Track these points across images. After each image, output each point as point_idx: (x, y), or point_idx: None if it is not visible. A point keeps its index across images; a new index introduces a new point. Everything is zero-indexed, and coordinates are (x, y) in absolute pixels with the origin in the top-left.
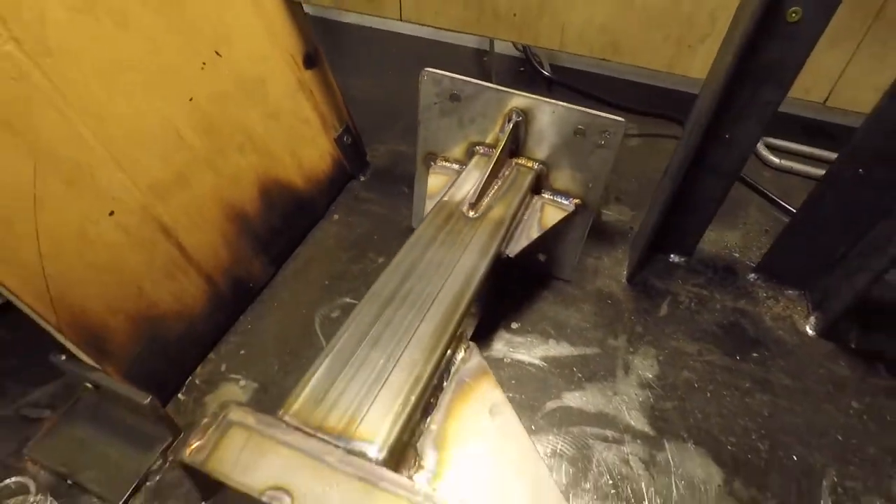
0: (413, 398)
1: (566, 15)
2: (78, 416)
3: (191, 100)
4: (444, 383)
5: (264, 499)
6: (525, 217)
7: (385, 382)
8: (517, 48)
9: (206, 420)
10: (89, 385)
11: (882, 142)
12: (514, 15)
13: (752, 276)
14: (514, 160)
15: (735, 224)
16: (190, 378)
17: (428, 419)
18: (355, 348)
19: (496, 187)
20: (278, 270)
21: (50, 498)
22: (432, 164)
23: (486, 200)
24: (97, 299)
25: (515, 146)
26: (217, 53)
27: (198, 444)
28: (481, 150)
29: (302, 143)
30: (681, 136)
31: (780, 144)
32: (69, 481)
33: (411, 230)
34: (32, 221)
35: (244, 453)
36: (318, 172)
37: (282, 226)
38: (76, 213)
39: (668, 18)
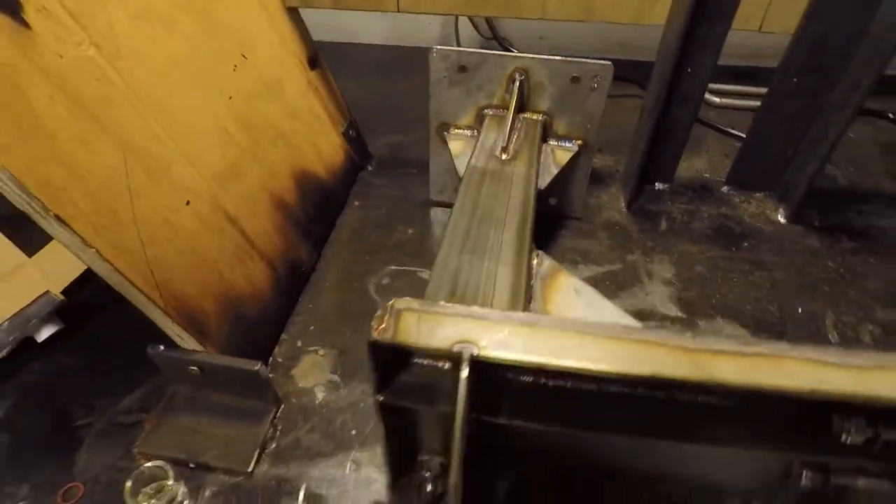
0: (522, 283)
1: None
2: (177, 409)
3: (230, 98)
4: (532, 282)
5: (455, 349)
6: (542, 160)
7: (496, 278)
8: (483, 37)
9: (378, 313)
10: (195, 368)
11: (806, 55)
12: None
13: (724, 188)
14: (521, 115)
15: (700, 154)
16: (272, 358)
17: (531, 304)
18: (458, 258)
19: (514, 138)
20: (320, 255)
21: (182, 481)
22: (446, 133)
23: (512, 146)
24: (190, 284)
25: (520, 103)
26: (244, 56)
27: (381, 327)
28: (490, 112)
29: (318, 137)
30: (643, 95)
31: (718, 88)
32: (191, 465)
33: (431, 202)
34: (130, 210)
35: (421, 327)
36: (335, 164)
37: (316, 214)
38: (160, 203)
39: None
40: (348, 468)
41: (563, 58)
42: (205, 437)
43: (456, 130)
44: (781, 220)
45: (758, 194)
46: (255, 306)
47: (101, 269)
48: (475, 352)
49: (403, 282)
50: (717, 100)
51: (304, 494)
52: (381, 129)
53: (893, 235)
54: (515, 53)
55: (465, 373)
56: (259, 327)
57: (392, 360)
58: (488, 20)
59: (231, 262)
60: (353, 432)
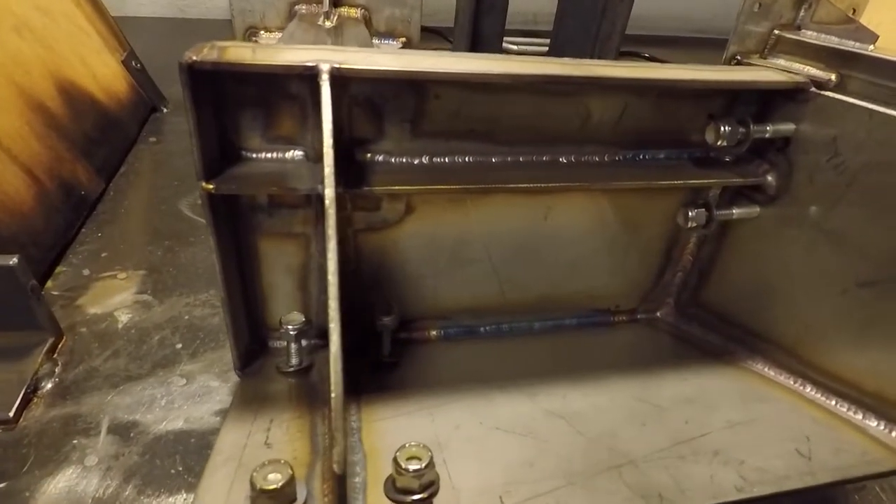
0: None
1: None
2: None
3: None
4: None
5: (308, 64)
6: None
7: None
8: None
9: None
10: None
11: None
12: None
13: None
14: (338, 10)
15: None
16: (43, 292)
17: None
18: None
19: (335, 15)
20: (109, 184)
21: None
22: (255, 39)
23: (335, 18)
24: None
25: None
26: None
27: (203, 52)
28: (303, 10)
29: (88, 54)
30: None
31: (514, 40)
32: None
33: None
34: None
35: (257, 54)
36: (118, 92)
37: (97, 136)
38: None
39: None
40: (175, 384)
41: None
42: None
43: (267, 34)
44: None
45: None
46: (10, 220)
47: None
48: (336, 64)
49: None
50: (514, 47)
51: (109, 427)
52: (172, 82)
53: None
54: None
55: (325, 84)
56: (19, 248)
57: (219, 101)
58: None
59: None
60: (179, 346)
